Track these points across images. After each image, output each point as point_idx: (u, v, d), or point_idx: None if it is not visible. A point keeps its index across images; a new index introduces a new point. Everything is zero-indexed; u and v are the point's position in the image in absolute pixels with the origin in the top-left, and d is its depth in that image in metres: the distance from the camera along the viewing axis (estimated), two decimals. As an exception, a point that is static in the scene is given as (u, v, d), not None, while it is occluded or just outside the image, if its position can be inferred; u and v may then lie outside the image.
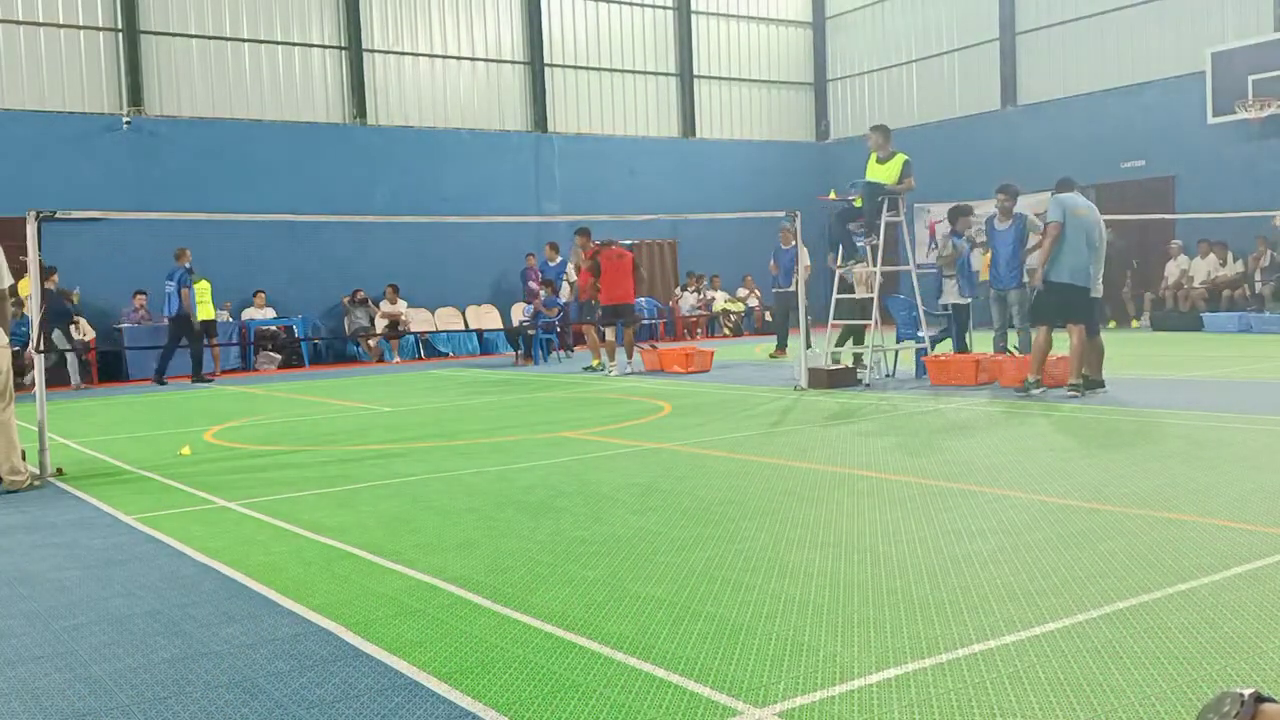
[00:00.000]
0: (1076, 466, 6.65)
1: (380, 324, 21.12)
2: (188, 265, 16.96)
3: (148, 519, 6.18)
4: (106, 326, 18.89)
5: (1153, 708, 2.95)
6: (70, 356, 16.87)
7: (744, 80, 27.67)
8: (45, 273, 16.92)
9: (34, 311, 8.16)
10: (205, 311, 17.92)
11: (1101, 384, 10.40)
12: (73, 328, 17.35)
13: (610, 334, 15.54)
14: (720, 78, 27.21)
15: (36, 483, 7.49)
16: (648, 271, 25.15)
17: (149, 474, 7.89)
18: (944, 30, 26.02)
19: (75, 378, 17.13)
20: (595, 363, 16.08)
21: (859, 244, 12.41)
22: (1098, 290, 10.49)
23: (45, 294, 16.82)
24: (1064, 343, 10.44)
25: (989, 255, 12.62)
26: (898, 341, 13.13)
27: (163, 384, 16.85)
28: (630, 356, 15.65)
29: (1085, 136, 22.74)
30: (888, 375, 12.75)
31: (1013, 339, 12.50)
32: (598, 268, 15.41)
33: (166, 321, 17.23)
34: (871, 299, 12.16)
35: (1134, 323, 21.02)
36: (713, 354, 15.63)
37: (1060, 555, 4.54)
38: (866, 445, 7.86)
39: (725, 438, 8.53)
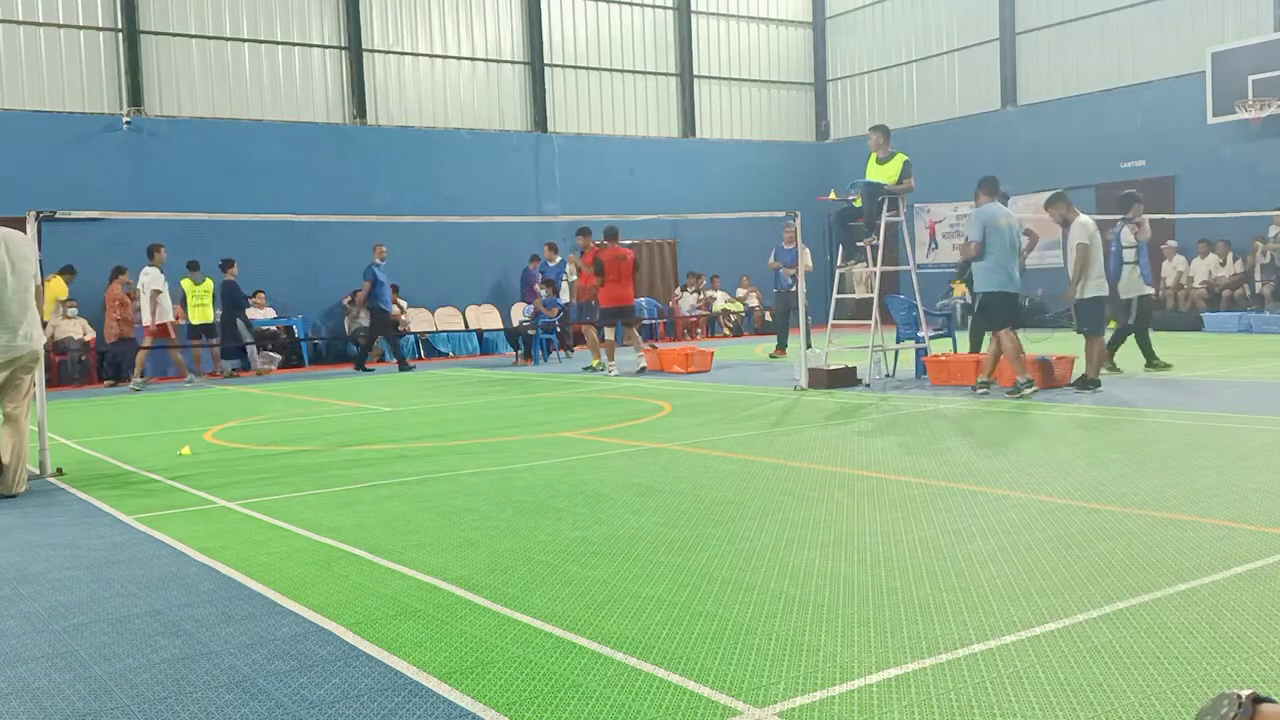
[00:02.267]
0: (1076, 466, 6.65)
1: (380, 324, 21.11)
2: (379, 260, 18.21)
3: (148, 519, 6.18)
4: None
5: (1153, 708, 2.96)
6: (250, 348, 18.62)
7: (744, 80, 27.64)
8: (225, 265, 17.81)
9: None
10: (204, 315, 17.90)
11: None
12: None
13: (610, 334, 15.53)
14: (720, 78, 27.19)
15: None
16: (648, 271, 25.18)
17: (149, 474, 7.89)
18: (944, 30, 26.00)
19: (256, 363, 18.70)
20: (595, 363, 16.07)
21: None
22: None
23: (224, 285, 17.84)
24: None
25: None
26: (898, 341, 13.13)
27: (366, 370, 18.51)
28: (639, 351, 15.66)
29: (1085, 136, 22.73)
30: (888, 375, 12.75)
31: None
32: (600, 266, 15.38)
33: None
34: (871, 298, 12.17)
35: (1134, 322, 21.00)
36: (713, 354, 15.62)
37: (1060, 555, 4.54)
38: (866, 445, 7.86)
39: (725, 438, 8.53)
